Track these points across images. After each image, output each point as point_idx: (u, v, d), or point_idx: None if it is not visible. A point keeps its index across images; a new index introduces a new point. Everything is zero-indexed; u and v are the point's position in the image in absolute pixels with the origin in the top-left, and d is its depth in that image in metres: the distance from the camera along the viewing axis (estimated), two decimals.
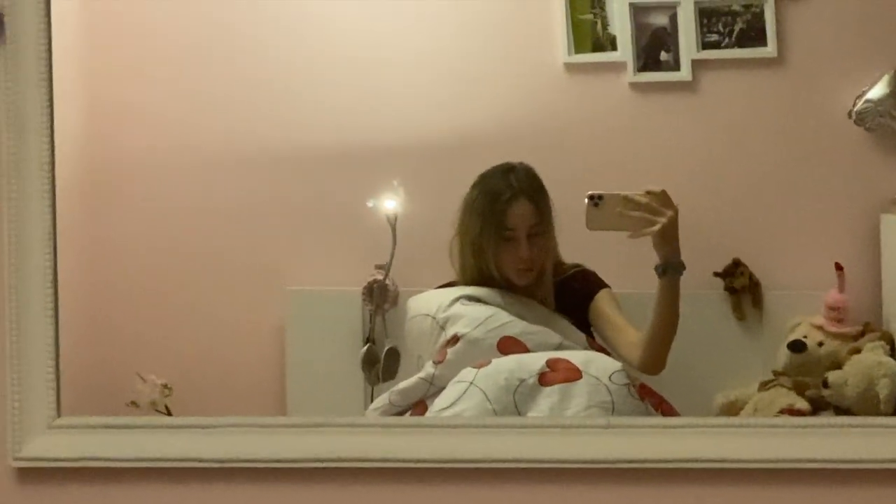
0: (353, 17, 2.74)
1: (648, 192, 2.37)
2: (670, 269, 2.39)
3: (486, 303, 2.56)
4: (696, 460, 2.00)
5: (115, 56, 2.77)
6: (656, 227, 2.36)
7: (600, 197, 2.37)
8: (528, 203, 2.55)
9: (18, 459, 2.10)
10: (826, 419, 2.22)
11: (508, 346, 2.50)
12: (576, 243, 2.58)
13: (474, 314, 2.54)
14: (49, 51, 2.11)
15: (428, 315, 2.57)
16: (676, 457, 2.00)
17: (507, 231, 2.54)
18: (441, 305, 2.56)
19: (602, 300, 2.58)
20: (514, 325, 2.52)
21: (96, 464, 2.09)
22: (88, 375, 2.52)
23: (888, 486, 1.99)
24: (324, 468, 2.07)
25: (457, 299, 2.56)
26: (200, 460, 2.08)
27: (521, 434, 2.05)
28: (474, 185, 2.57)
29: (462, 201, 2.57)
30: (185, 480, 2.10)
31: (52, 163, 2.12)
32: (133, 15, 2.76)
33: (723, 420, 2.20)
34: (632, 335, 2.49)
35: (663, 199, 2.37)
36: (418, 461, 2.05)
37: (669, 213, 2.36)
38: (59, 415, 2.11)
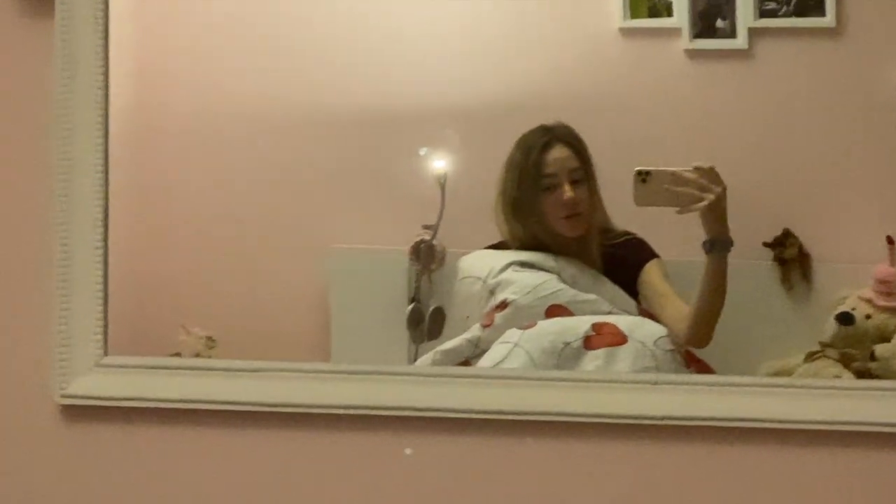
0: None
1: (697, 168, 2.36)
2: (718, 245, 2.38)
3: (538, 268, 2.55)
4: (744, 419, 1.99)
5: (161, 20, 2.77)
6: (704, 204, 2.36)
7: (648, 173, 2.36)
8: (565, 148, 2.55)
9: (65, 397, 2.11)
10: (876, 382, 2.20)
11: (556, 314, 2.50)
12: (627, 210, 2.56)
13: (525, 281, 2.54)
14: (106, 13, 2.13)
15: (479, 278, 2.57)
16: (723, 415, 2.00)
17: (546, 178, 2.54)
18: (492, 270, 2.56)
19: (651, 270, 2.57)
20: (564, 293, 2.52)
21: (142, 404, 2.10)
22: (132, 326, 2.52)
23: None
24: (369, 416, 2.07)
25: (509, 265, 2.56)
26: (246, 404, 2.08)
27: (569, 388, 2.05)
28: (514, 145, 2.57)
29: (503, 163, 2.58)
30: (229, 423, 2.10)
31: (106, 113, 2.14)
32: None
33: (771, 380, 2.19)
34: (680, 308, 2.48)
35: (711, 175, 2.36)
36: (464, 412, 2.05)
37: (718, 189, 2.36)
38: (106, 353, 2.12)
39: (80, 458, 2.14)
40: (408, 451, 2.09)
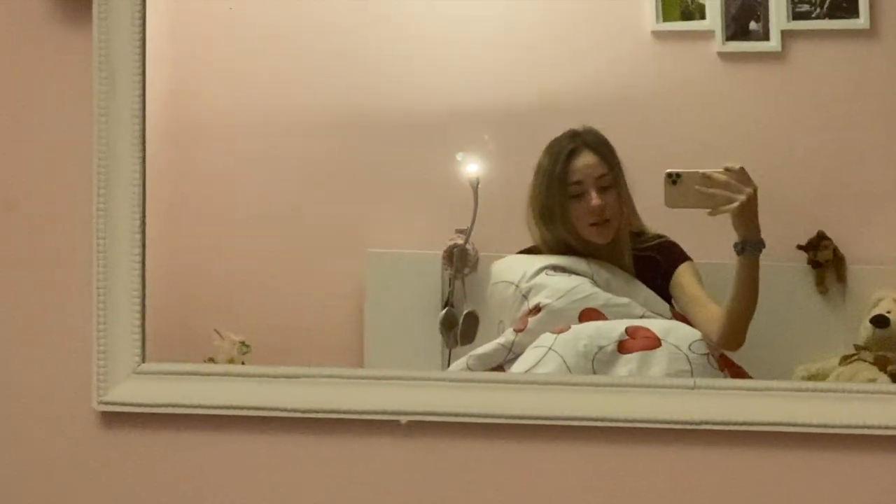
0: None
1: (727, 169, 2.36)
2: (749, 247, 2.38)
3: (571, 272, 2.55)
4: (780, 423, 1.99)
5: (200, 14, 2.78)
6: (735, 205, 2.35)
7: (678, 175, 2.36)
8: (591, 154, 2.55)
9: (103, 403, 2.13)
10: None
11: (590, 318, 2.50)
12: (659, 213, 2.55)
13: (558, 285, 2.54)
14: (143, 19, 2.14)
15: (511, 283, 2.57)
16: (760, 420, 2.00)
17: (573, 185, 2.54)
18: (525, 274, 2.56)
19: (684, 273, 2.56)
20: (598, 297, 2.52)
21: (180, 410, 2.12)
22: (166, 331, 2.53)
23: None
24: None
25: (542, 269, 2.56)
26: (284, 409, 2.09)
27: (606, 393, 2.06)
28: (543, 151, 2.58)
29: (534, 169, 2.58)
30: (265, 429, 2.11)
31: (143, 120, 2.15)
32: None
33: (807, 384, 2.19)
34: (712, 310, 2.47)
35: (742, 176, 2.36)
36: (498, 417, 2.06)
37: (748, 190, 2.35)
38: (144, 360, 2.13)
39: (119, 465, 2.15)
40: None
